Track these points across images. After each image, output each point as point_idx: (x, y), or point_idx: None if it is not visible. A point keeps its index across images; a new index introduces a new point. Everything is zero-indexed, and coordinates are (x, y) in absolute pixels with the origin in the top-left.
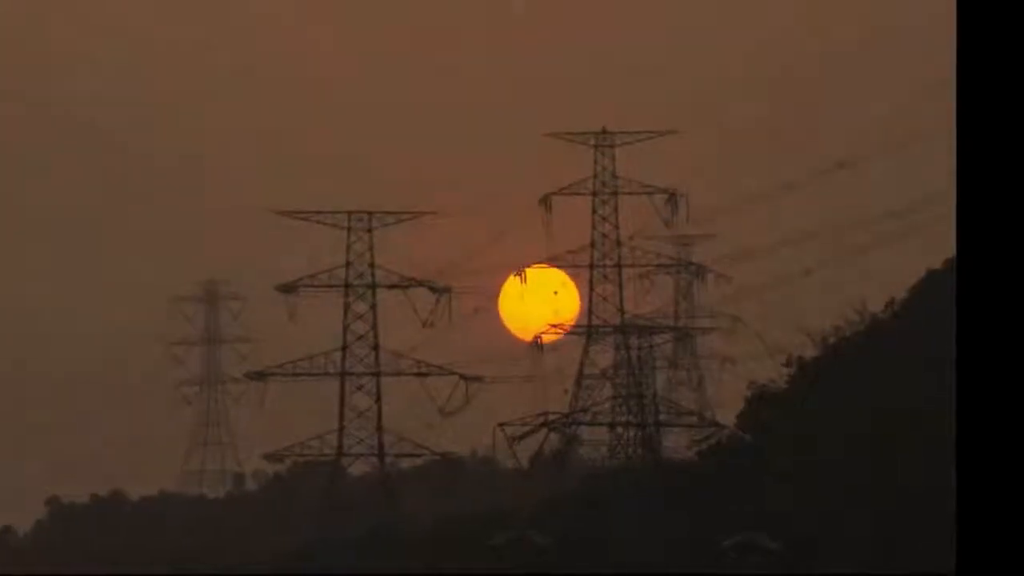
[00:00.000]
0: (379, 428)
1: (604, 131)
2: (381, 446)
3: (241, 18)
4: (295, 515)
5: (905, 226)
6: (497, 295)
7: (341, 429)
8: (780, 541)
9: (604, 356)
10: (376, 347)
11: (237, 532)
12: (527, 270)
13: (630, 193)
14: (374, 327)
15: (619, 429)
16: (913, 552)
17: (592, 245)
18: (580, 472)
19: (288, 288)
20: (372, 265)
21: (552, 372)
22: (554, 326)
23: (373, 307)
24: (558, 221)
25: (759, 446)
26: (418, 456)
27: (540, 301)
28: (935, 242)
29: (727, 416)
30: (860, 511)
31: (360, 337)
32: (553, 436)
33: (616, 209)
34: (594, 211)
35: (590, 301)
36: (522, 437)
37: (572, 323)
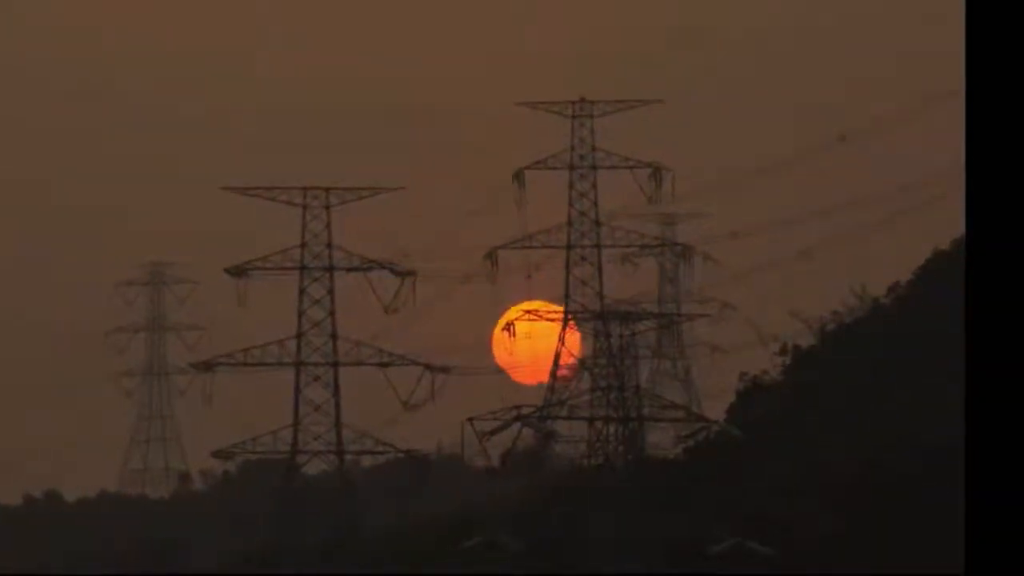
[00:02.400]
0: (337, 423)
1: (582, 100)
2: (340, 442)
3: None
4: (246, 517)
5: (910, 203)
6: (466, 278)
7: (296, 424)
8: (774, 546)
9: (582, 344)
10: (334, 335)
11: (183, 535)
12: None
13: (611, 167)
14: (332, 313)
15: (598, 424)
16: (920, 555)
17: (569, 223)
18: (556, 470)
19: (238, 271)
20: (330, 246)
21: (525, 362)
22: (528, 312)
23: (331, 291)
24: (532, 198)
25: (751, 443)
26: (380, 453)
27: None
28: (943, 220)
29: (716, 410)
30: (861, 513)
31: (317, 324)
32: (527, 432)
33: (595, 185)
34: (571, 187)
35: (567, 285)
36: (493, 432)
37: (547, 309)
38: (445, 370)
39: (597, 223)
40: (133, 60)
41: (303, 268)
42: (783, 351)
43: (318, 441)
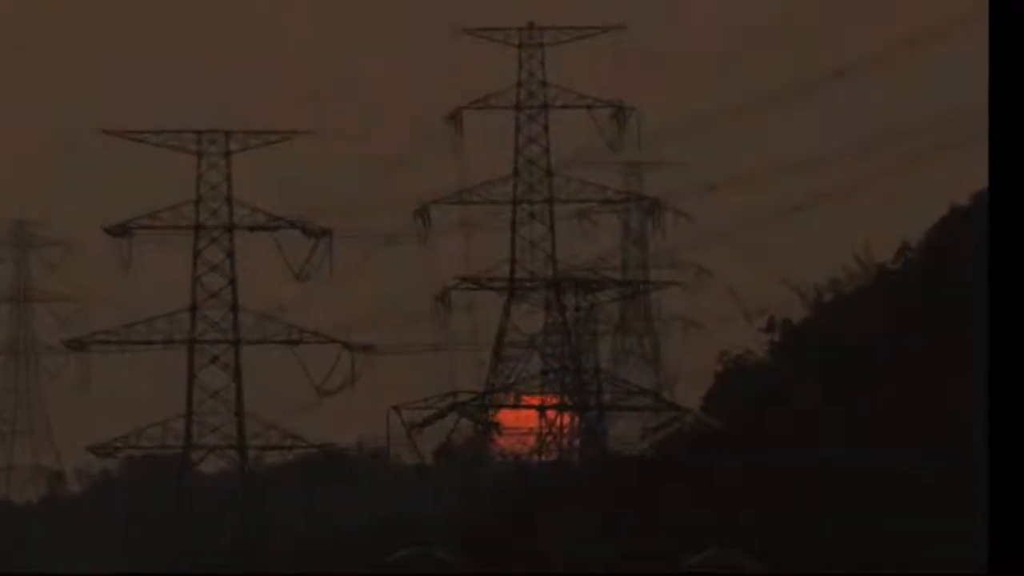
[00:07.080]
0: (239, 412)
1: (531, 26)
2: (242, 436)
3: None
4: (131, 524)
5: (921, 150)
6: (392, 239)
7: (189, 414)
8: (759, 556)
9: (532, 318)
10: (235, 307)
11: (55, 546)
12: None
13: (565, 107)
14: (232, 281)
15: (551, 413)
16: (933, 562)
17: (516, 174)
18: (500, 469)
19: (121, 230)
20: (230, 200)
21: (463, 340)
22: (466, 279)
23: (231, 255)
24: (471, 143)
25: (732, 435)
26: (289, 448)
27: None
28: (961, 170)
29: (691, 397)
30: (861, 516)
31: (214, 294)
32: (465, 423)
33: (547, 127)
34: (518, 130)
35: (512, 247)
36: (424, 424)
37: (489, 276)
38: (367, 349)
39: (549, 173)
40: None
41: (198, 227)
42: (770, 326)
43: (216, 434)
